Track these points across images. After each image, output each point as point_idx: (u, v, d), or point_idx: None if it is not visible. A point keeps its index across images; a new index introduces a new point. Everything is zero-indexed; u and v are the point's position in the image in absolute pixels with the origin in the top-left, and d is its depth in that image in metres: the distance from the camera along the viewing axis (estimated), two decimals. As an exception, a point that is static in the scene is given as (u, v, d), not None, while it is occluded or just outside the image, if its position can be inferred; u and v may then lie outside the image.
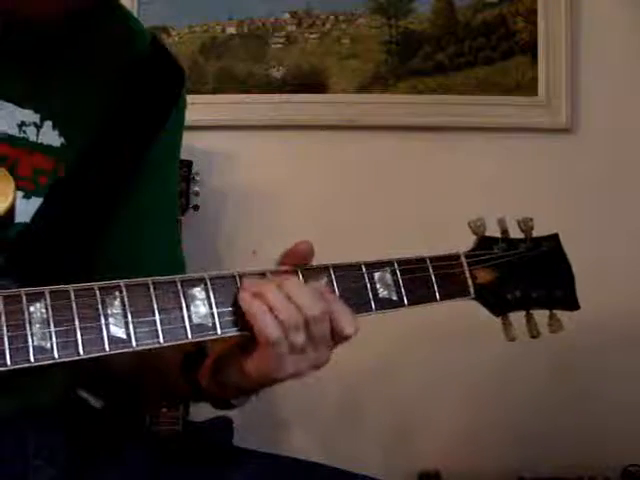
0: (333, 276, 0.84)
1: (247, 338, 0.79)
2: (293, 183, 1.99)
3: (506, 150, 2.01)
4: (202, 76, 1.98)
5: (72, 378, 0.95)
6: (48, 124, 0.88)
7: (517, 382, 1.97)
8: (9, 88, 0.86)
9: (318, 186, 1.99)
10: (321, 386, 1.91)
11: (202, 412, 1.78)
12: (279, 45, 2.00)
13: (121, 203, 0.92)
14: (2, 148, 0.84)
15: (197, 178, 1.84)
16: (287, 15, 2.00)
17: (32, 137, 0.87)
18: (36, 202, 0.87)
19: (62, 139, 0.89)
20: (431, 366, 1.98)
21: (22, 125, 0.86)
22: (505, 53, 2.00)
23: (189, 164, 1.81)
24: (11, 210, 0.79)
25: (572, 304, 1.00)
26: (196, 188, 1.84)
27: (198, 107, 1.88)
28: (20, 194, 0.85)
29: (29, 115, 0.87)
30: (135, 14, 1.94)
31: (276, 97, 1.99)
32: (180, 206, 1.73)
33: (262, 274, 0.81)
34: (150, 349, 0.75)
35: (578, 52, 1.99)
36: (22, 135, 0.86)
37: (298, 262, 0.83)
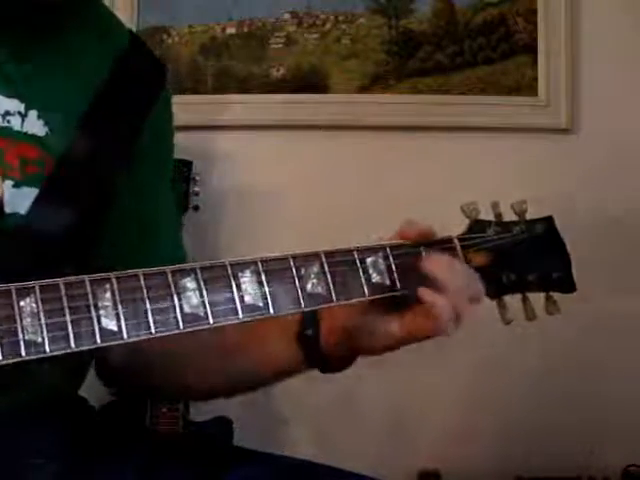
0: (325, 262, 0.84)
1: (394, 300, 0.86)
2: (293, 183, 1.99)
3: (506, 150, 2.01)
4: (202, 76, 1.99)
5: (72, 377, 0.96)
6: (33, 113, 0.88)
7: (517, 381, 1.97)
8: None
9: (318, 186, 1.99)
10: (320, 385, 1.91)
11: (202, 412, 1.78)
12: (279, 45, 2.00)
13: (115, 194, 0.93)
14: None
15: (197, 178, 1.84)
16: (287, 15, 2.00)
17: (17, 126, 0.87)
18: (26, 191, 0.87)
19: (46, 128, 0.89)
20: (431, 365, 1.97)
21: (6, 114, 0.87)
22: (505, 53, 2.00)
23: (189, 164, 1.81)
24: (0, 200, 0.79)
25: (569, 286, 0.99)
26: (196, 188, 1.84)
27: (198, 107, 1.89)
28: (10, 183, 0.85)
29: (14, 104, 0.87)
30: (135, 14, 1.94)
31: (276, 97, 1.99)
32: (180, 206, 1.73)
33: (253, 262, 0.81)
34: (141, 340, 0.75)
35: (578, 52, 1.99)
36: (6, 125, 0.87)
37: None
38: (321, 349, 0.91)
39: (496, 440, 1.98)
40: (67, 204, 0.88)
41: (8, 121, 0.87)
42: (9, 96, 0.87)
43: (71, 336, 0.71)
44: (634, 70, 2.00)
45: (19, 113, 0.88)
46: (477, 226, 0.96)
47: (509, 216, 0.99)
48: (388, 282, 0.88)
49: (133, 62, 0.98)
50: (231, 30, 2.00)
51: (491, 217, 0.99)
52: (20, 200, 0.86)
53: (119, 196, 0.93)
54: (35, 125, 0.88)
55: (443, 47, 2.00)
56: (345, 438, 1.98)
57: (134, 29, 1.71)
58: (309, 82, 2.00)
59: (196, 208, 1.83)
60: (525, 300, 0.98)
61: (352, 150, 2.00)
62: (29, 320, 0.70)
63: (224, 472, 0.91)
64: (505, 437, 1.98)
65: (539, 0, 1.99)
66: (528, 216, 0.99)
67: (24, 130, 0.88)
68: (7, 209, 0.84)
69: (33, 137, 0.88)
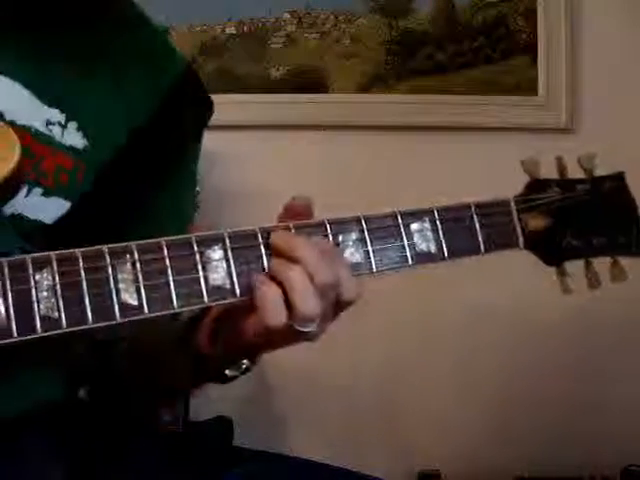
0: (365, 226, 0.81)
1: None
2: (293, 183, 1.98)
3: (506, 150, 2.00)
4: (202, 76, 1.98)
5: (75, 377, 0.96)
6: (73, 125, 0.90)
7: (517, 382, 1.97)
8: (38, 87, 0.87)
9: (318, 186, 1.98)
10: (321, 385, 1.91)
11: (202, 412, 1.78)
12: (279, 45, 2.00)
13: (137, 221, 0.93)
14: (26, 141, 0.84)
15: (197, 178, 1.84)
16: (287, 15, 2.00)
17: (57, 136, 0.88)
18: (55, 201, 0.87)
19: (85, 141, 0.90)
20: (431, 366, 1.98)
21: (48, 123, 0.88)
22: (505, 53, 2.00)
23: (189, 164, 1.81)
24: (16, 174, 0.78)
25: (638, 250, 0.90)
26: (196, 188, 1.84)
27: (198, 107, 1.88)
28: (40, 191, 0.86)
29: (55, 114, 0.88)
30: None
31: (276, 97, 1.99)
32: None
33: (287, 228, 0.78)
34: (163, 315, 0.71)
35: (578, 52, 1.99)
36: (48, 133, 0.88)
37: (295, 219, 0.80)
38: (197, 348, 0.82)
39: (497, 441, 1.98)
40: (97, 222, 0.89)
41: (50, 130, 0.88)
42: (51, 105, 0.88)
43: (88, 311, 0.68)
44: (634, 70, 2.00)
45: (59, 123, 0.89)
46: (537, 185, 0.90)
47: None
48: (434, 250, 0.83)
49: (185, 98, 0.99)
50: (231, 30, 2.00)
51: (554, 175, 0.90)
52: (45, 208, 0.87)
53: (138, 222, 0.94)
54: (74, 137, 0.90)
55: (443, 47, 2.00)
56: (345, 438, 1.98)
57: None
58: (309, 82, 2.00)
59: (196, 208, 1.83)
60: (588, 266, 0.89)
61: (352, 150, 2.00)
62: (45, 294, 0.67)
63: (224, 472, 0.92)
64: (505, 437, 1.98)
65: (539, 0, 1.99)
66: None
67: (63, 141, 0.89)
68: (29, 215, 0.84)
69: (71, 148, 0.89)
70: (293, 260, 0.74)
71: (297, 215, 0.82)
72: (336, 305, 0.77)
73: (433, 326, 1.93)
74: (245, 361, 0.82)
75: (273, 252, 0.76)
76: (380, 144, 2.00)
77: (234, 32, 2.00)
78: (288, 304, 0.73)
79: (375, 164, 1.99)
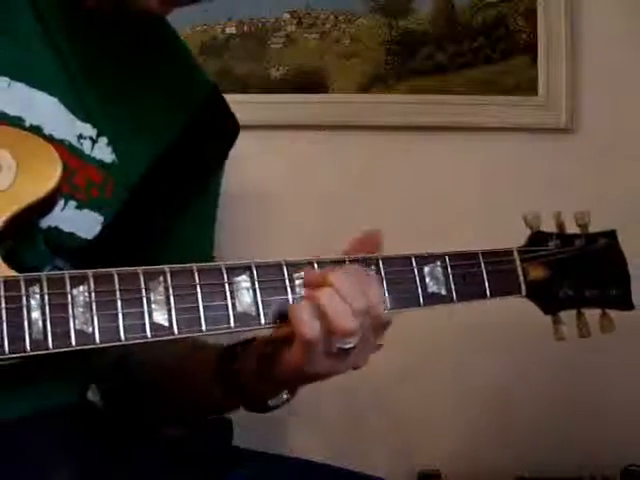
0: (381, 267, 0.84)
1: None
2: (293, 183, 1.99)
3: (506, 150, 2.01)
4: (202, 76, 1.98)
5: (85, 380, 0.96)
6: (103, 140, 0.92)
7: (517, 382, 1.97)
8: (73, 102, 0.89)
9: (318, 186, 1.99)
10: (322, 386, 1.91)
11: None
12: (279, 45, 2.00)
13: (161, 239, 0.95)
14: (63, 155, 0.85)
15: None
16: (287, 15, 2.00)
17: (87, 150, 0.90)
18: (88, 214, 0.89)
19: (114, 156, 0.92)
20: (432, 366, 1.98)
21: (80, 137, 0.89)
22: (505, 53, 2.00)
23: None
24: (56, 191, 0.80)
25: (626, 304, 0.99)
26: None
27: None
28: (74, 204, 0.88)
29: (87, 129, 0.90)
30: (135, 14, 1.94)
31: (276, 97, 1.99)
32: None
33: (309, 263, 0.81)
34: (192, 337, 0.74)
35: (578, 52, 1.99)
36: (79, 147, 0.89)
37: (368, 251, 0.84)
38: (240, 381, 0.87)
39: (497, 441, 1.98)
40: (128, 242, 0.90)
41: (81, 144, 0.90)
42: (84, 120, 0.90)
43: (121, 329, 0.71)
44: (634, 70, 2.00)
45: (90, 138, 0.91)
46: (538, 238, 0.96)
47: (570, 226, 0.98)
48: (445, 292, 0.89)
49: (210, 119, 1.02)
50: (231, 30, 2.00)
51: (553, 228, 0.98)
52: (79, 222, 0.88)
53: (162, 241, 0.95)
54: (104, 152, 0.92)
55: (443, 47, 2.00)
56: (346, 438, 1.98)
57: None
58: (309, 82, 2.00)
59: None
60: (580, 316, 0.97)
61: (352, 150, 2.00)
62: (81, 310, 0.70)
63: (225, 472, 0.92)
64: (505, 437, 1.98)
65: (539, 0, 1.99)
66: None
67: (93, 155, 0.91)
68: (64, 228, 0.86)
69: (100, 162, 0.91)
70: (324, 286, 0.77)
71: (370, 248, 0.85)
72: (374, 330, 0.80)
73: (433, 326, 1.92)
74: (285, 392, 0.87)
75: (305, 286, 0.79)
76: (380, 144, 2.00)
77: (234, 32, 2.00)
78: (325, 325, 0.76)
79: (375, 164, 1.99)
